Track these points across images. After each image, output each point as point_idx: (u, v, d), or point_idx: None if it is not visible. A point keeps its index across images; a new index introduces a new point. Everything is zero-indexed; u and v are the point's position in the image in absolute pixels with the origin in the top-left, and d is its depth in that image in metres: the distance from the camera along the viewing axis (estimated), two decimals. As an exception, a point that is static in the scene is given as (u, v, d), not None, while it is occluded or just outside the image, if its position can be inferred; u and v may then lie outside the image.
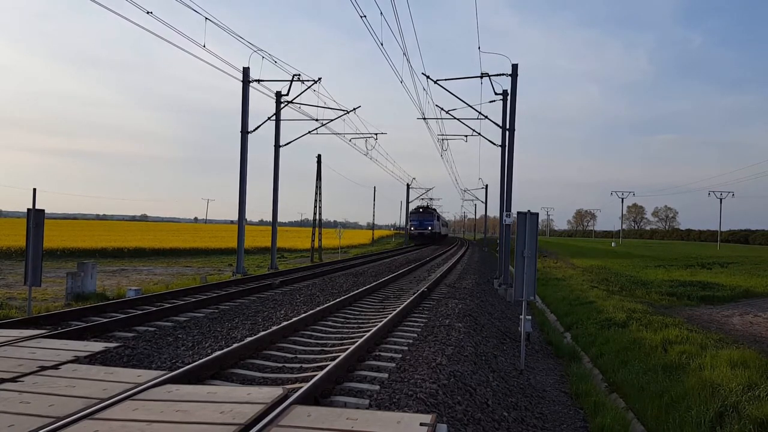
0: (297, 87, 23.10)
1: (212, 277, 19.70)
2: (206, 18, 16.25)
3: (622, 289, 23.41)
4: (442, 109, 24.57)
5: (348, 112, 25.59)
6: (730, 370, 8.70)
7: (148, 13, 14.01)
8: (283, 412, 4.84)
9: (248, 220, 24.11)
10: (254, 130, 22.25)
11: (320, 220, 36.00)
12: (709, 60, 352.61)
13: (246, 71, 21.82)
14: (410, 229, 67.62)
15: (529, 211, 10.09)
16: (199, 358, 7.45)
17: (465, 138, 30.52)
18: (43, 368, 6.11)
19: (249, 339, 8.44)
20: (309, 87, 22.63)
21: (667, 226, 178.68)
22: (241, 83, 21.83)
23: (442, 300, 14.18)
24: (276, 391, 5.39)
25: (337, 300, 12.73)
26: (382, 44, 17.12)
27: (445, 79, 21.70)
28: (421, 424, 4.65)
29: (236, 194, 21.75)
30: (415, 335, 9.55)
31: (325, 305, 11.92)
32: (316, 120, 25.41)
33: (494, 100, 22.41)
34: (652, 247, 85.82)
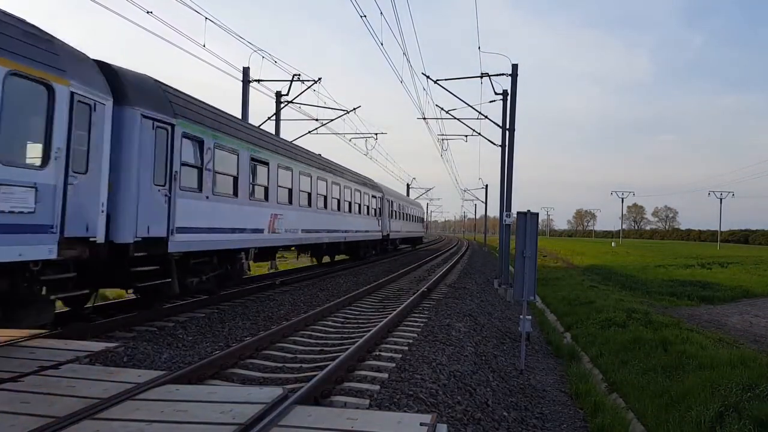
0: (297, 87, 23.02)
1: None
2: (206, 18, 16.24)
3: (622, 288, 23.42)
4: (442, 108, 24.61)
5: (348, 112, 25.60)
6: (730, 370, 8.71)
7: (148, 12, 14.00)
8: (283, 412, 4.84)
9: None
10: (254, 130, 22.14)
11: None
12: (710, 60, 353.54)
13: (246, 71, 21.82)
14: None
15: (529, 211, 10.10)
16: (199, 358, 7.45)
17: (465, 138, 30.59)
18: (43, 368, 6.10)
19: (249, 339, 8.44)
20: (309, 87, 22.65)
21: (667, 226, 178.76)
22: (241, 83, 21.84)
23: (442, 300, 14.19)
24: (276, 391, 5.38)
25: (338, 300, 12.73)
26: (382, 44, 17.13)
27: (445, 79, 21.72)
28: (422, 424, 4.65)
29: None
30: (415, 335, 9.55)
31: (325, 305, 11.93)
32: (316, 120, 25.37)
33: (494, 100, 22.43)
34: (652, 247, 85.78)
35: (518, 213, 10.40)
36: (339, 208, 20.50)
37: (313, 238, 17.80)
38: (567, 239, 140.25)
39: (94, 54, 8.68)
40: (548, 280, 26.02)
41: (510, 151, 21.28)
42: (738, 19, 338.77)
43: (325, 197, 19.02)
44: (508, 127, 21.42)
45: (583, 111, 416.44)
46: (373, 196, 26.94)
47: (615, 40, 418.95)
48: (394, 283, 17.85)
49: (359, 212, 23.84)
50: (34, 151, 7.19)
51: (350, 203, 22.28)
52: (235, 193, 12.14)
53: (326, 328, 10.14)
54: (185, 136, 10.17)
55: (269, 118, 23.50)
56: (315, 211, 17.73)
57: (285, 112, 24.46)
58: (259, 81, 22.05)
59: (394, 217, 32.95)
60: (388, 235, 30.38)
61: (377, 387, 6.39)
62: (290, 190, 15.44)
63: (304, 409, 5.05)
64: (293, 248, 18.23)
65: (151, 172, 9.31)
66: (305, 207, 16.72)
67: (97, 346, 7.38)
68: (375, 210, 27.29)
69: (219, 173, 11.42)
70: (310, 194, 17.15)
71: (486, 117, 22.65)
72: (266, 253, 16.10)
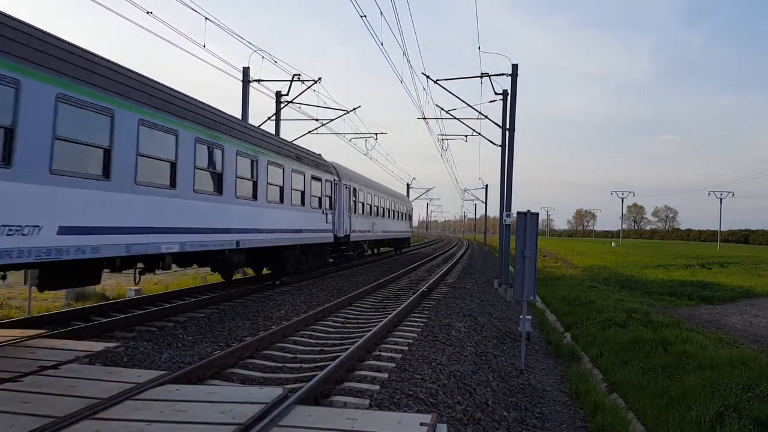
0: (297, 87, 23.01)
1: (212, 277, 19.71)
2: (206, 18, 16.24)
3: (622, 289, 23.42)
4: (442, 108, 24.62)
5: (348, 112, 25.59)
6: (730, 370, 8.70)
7: (148, 13, 14.01)
8: (283, 412, 4.84)
9: (248, 219, 23.77)
10: (254, 130, 22.09)
11: (320, 220, 35.70)
12: (710, 60, 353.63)
13: (246, 71, 21.82)
14: None
15: (529, 211, 10.10)
16: (199, 358, 7.45)
17: (465, 138, 30.58)
18: (43, 368, 6.11)
19: (249, 339, 8.44)
20: (309, 87, 22.64)
21: (667, 226, 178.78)
22: (241, 83, 21.84)
23: (442, 300, 14.19)
24: (276, 391, 5.38)
25: (338, 300, 12.73)
26: (382, 44, 17.13)
27: (445, 79, 21.72)
28: (421, 424, 4.65)
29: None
30: (415, 335, 9.55)
31: (326, 305, 11.92)
32: (316, 120, 25.37)
33: (494, 100, 22.43)
34: (652, 247, 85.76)
35: (518, 213, 10.40)
36: (221, 191, 12.07)
37: (118, 246, 9.04)
38: (567, 239, 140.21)
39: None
40: (548, 280, 26.02)
41: (510, 151, 21.29)
42: (738, 19, 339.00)
43: (174, 165, 10.38)
44: (508, 127, 21.42)
45: (583, 111, 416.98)
46: (316, 178, 18.19)
47: (615, 40, 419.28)
48: (394, 283, 17.85)
49: (281, 201, 15.34)
50: None
51: (255, 183, 13.70)
52: None
53: (326, 328, 10.14)
54: None
55: (269, 118, 23.51)
56: (146, 190, 9.66)
57: (285, 112, 24.43)
58: (259, 81, 22.05)
59: (360, 211, 23.85)
60: (347, 236, 21.74)
61: (377, 387, 6.39)
62: (10, 135, 7.05)
63: (304, 409, 5.05)
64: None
65: None
66: (96, 179, 8.48)
67: (97, 346, 7.39)
68: (321, 200, 18.75)
69: None
70: (109, 156, 8.71)
71: (486, 117, 22.66)
72: None
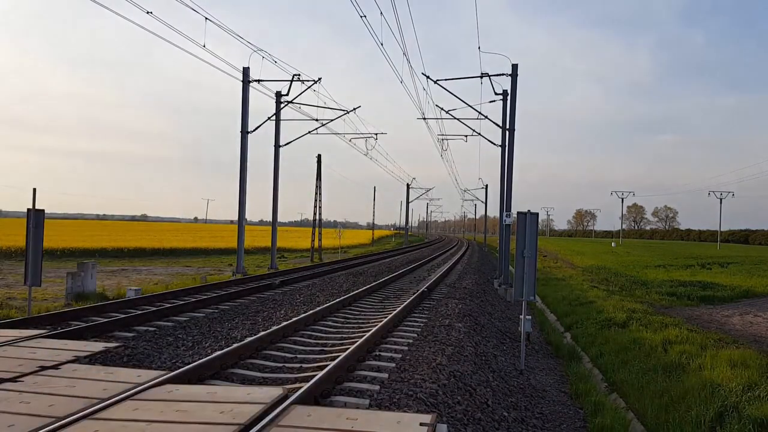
0: (297, 87, 23.09)
1: (212, 277, 19.71)
2: (206, 18, 16.25)
3: (622, 289, 23.41)
4: (442, 109, 24.59)
5: (348, 112, 25.61)
6: (730, 370, 8.70)
7: (148, 13, 14.01)
8: (283, 412, 4.84)
9: (248, 220, 23.98)
10: (254, 130, 22.25)
11: (320, 219, 36.04)
12: (710, 60, 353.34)
13: (246, 71, 21.82)
14: None
15: (529, 211, 10.09)
16: (199, 358, 7.45)
17: (465, 138, 30.54)
18: (43, 368, 6.11)
19: (249, 339, 8.44)
20: (309, 87, 22.65)
21: (667, 226, 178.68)
22: (241, 83, 21.84)
23: (442, 300, 14.18)
24: (276, 391, 5.38)
25: (337, 300, 12.72)
26: (382, 44, 17.13)
27: (445, 79, 21.71)
28: (421, 424, 4.65)
29: (236, 194, 21.74)
30: (415, 335, 9.55)
31: (325, 305, 11.92)
32: (316, 120, 25.40)
33: (494, 100, 22.43)
34: (652, 247, 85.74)
35: (518, 213, 10.39)
36: None
37: None
38: (567, 239, 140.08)
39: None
40: (548, 280, 26.01)
41: (510, 151, 21.29)
42: (738, 20, 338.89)
43: None
44: (508, 127, 21.42)
45: (583, 111, 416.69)
46: None
47: (615, 39, 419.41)
48: (395, 283, 17.85)
49: None
50: None
51: None
52: None
53: (326, 328, 10.14)
54: None
55: (269, 118, 23.53)
56: None
57: (285, 112, 24.44)
58: (259, 81, 22.05)
59: None
60: None
61: (377, 387, 6.39)
62: None
63: (304, 408, 5.05)
64: None
65: None
66: None
67: (97, 346, 7.39)
68: None
69: None
70: None
71: (486, 117, 22.65)
72: None
